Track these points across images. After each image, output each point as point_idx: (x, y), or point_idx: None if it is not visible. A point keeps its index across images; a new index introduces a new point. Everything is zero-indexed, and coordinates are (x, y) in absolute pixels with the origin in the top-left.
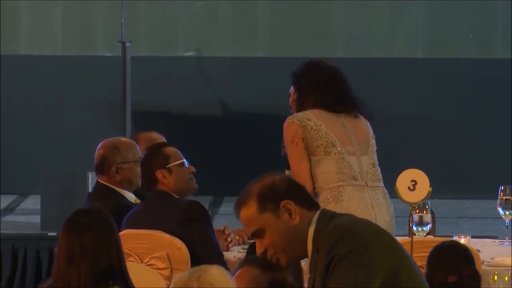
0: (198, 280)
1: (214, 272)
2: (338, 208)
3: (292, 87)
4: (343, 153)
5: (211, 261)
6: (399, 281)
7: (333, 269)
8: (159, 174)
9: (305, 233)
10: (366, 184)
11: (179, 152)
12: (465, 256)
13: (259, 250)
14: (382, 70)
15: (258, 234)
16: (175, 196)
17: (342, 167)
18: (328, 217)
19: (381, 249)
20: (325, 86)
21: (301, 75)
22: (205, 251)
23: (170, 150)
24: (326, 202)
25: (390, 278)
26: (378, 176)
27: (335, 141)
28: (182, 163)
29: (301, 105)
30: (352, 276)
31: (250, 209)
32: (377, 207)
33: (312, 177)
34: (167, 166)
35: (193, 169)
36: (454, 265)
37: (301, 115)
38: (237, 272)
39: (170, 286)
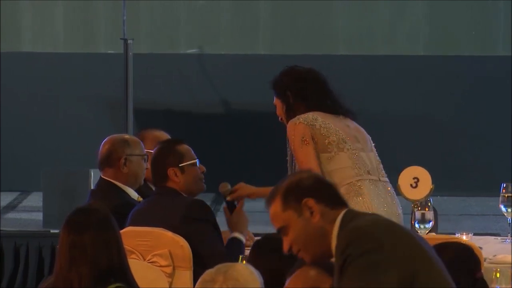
0: (225, 275)
1: (240, 268)
2: (359, 203)
3: (275, 98)
4: (355, 149)
5: (213, 260)
6: (419, 282)
7: (345, 271)
8: (171, 171)
9: (328, 232)
10: (379, 179)
11: (192, 150)
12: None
13: (285, 247)
14: (383, 67)
15: (282, 231)
16: (183, 194)
17: (357, 162)
18: (349, 218)
19: (398, 250)
20: (309, 90)
21: (283, 86)
22: (207, 249)
23: (184, 148)
24: (346, 197)
25: (408, 279)
26: (384, 173)
27: (345, 137)
28: (195, 163)
29: (293, 114)
30: (363, 278)
31: (276, 206)
32: (390, 200)
33: (325, 175)
34: (180, 164)
35: (204, 168)
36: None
37: (306, 115)
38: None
39: (199, 281)
